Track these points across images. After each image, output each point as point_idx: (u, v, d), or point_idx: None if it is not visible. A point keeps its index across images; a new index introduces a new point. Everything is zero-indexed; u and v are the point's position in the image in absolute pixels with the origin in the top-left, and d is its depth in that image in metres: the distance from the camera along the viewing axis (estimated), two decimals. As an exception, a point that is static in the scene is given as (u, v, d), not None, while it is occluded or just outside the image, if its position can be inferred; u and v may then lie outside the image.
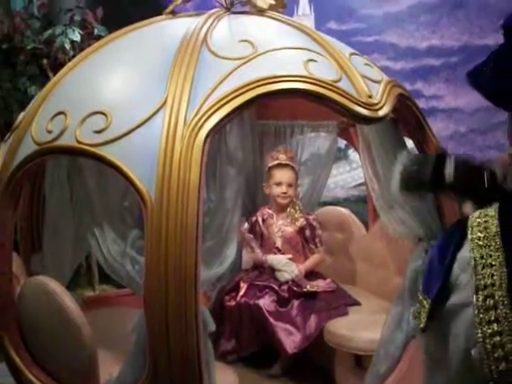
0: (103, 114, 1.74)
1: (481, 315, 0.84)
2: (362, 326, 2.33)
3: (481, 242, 0.88)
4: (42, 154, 1.85)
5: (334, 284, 2.60)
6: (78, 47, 3.44)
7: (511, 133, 1.01)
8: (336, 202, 3.74)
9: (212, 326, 1.74)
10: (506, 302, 0.82)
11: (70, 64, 2.06)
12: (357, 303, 2.55)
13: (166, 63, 1.80)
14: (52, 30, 3.57)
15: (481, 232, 0.89)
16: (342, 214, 2.97)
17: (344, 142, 3.27)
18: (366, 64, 2.00)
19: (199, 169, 1.58)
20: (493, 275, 0.84)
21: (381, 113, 1.83)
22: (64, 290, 1.86)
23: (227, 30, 1.99)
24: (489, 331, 0.82)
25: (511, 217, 0.91)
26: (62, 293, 1.83)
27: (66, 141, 1.76)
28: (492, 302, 0.82)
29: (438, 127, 3.28)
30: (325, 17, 4.05)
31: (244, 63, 1.77)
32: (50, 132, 1.80)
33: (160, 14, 2.21)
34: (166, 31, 2.10)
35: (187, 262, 1.57)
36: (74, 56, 2.92)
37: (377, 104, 1.82)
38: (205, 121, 1.63)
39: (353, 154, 3.84)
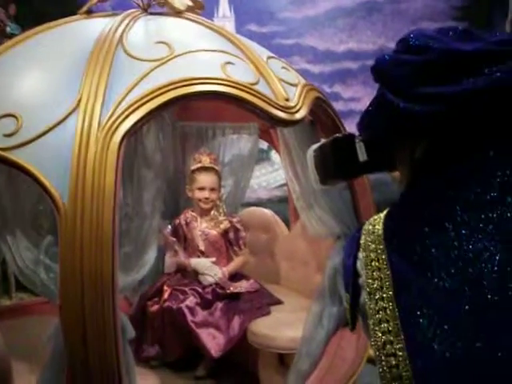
0: (13, 116, 1.66)
1: (372, 318, 0.85)
2: (284, 325, 2.36)
3: (372, 245, 0.88)
4: None
5: (257, 284, 2.62)
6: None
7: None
8: (259, 203, 3.78)
9: (131, 333, 1.70)
10: (391, 307, 0.83)
11: (-23, 63, 1.97)
12: (279, 302, 2.59)
13: (79, 64, 1.74)
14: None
15: (370, 234, 0.90)
16: (265, 215, 3.01)
17: (266, 144, 3.30)
18: (284, 67, 2.02)
19: (114, 173, 1.54)
20: (381, 278, 0.85)
21: (298, 115, 1.85)
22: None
23: (144, 31, 1.96)
24: (379, 333, 0.84)
25: (395, 218, 0.91)
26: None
27: (-26, 144, 1.67)
28: (382, 304, 0.83)
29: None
30: (245, 19, 4.08)
31: (160, 65, 1.74)
32: (-46, 135, 1.71)
33: (76, 12, 2.15)
34: (80, 31, 2.03)
35: (103, 269, 1.52)
36: (-16, 55, 2.78)
37: (294, 107, 1.85)
38: (119, 123, 1.59)
39: (275, 155, 3.89)
